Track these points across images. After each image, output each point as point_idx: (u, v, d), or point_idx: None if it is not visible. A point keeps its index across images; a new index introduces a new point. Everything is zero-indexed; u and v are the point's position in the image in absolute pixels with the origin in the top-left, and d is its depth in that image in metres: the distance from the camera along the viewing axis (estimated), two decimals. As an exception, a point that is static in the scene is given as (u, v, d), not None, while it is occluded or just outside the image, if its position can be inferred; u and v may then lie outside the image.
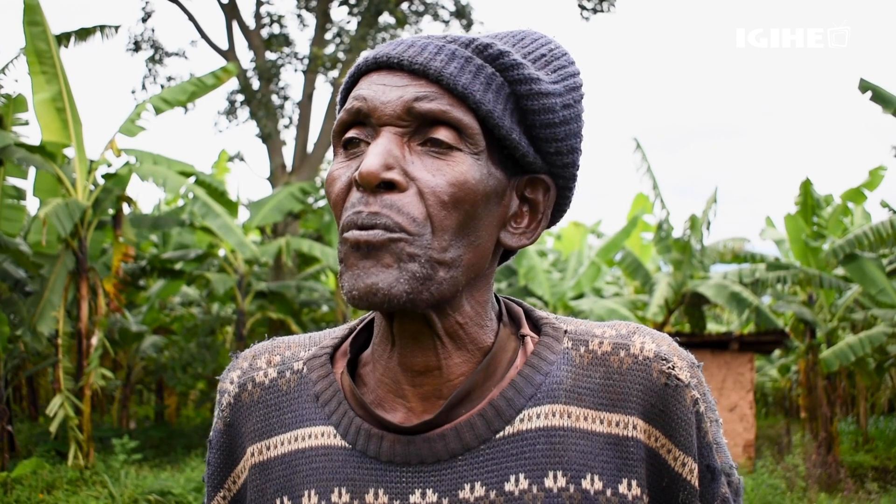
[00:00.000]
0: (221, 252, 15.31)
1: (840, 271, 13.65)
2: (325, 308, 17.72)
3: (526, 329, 1.07)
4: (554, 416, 1.00)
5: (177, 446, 13.29)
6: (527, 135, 1.00)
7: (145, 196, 38.31)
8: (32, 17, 10.15)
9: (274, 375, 1.10)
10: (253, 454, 1.08)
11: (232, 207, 13.13)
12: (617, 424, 1.01)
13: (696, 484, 1.03)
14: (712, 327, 21.17)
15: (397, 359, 1.02)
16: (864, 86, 10.37)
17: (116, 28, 13.60)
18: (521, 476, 0.98)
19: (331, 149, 1.04)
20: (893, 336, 12.62)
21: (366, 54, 1.02)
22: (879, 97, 10.30)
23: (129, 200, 11.51)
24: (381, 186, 0.93)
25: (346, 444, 1.02)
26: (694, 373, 1.04)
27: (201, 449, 12.37)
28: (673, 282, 13.86)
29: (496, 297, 1.09)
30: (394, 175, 0.93)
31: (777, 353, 18.60)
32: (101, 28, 13.24)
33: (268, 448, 1.07)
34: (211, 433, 1.14)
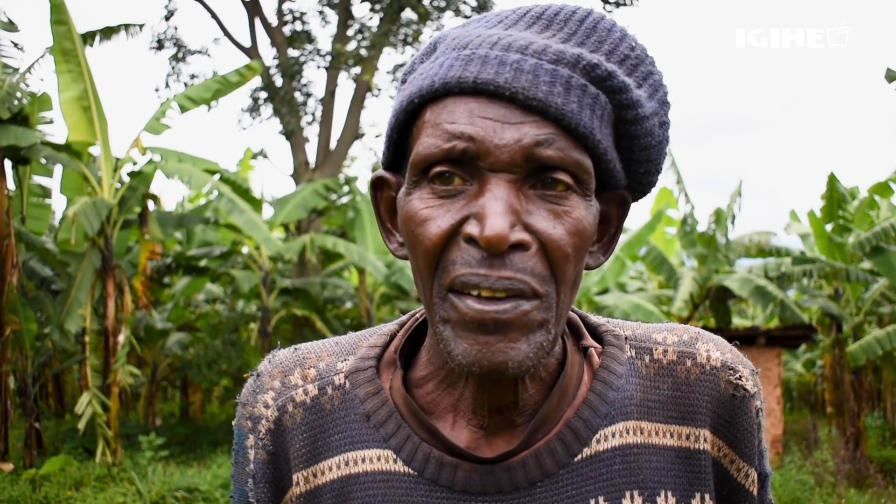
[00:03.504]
0: (245, 249, 15.37)
1: (867, 265, 13.53)
2: (348, 304, 17.75)
3: (589, 340, 1.03)
4: (627, 433, 0.97)
5: (202, 443, 13.35)
6: (621, 156, 0.94)
7: (168, 194, 38.47)
8: (59, 17, 10.22)
9: (315, 393, 1.02)
10: (298, 483, 1.00)
11: (256, 204, 13.16)
12: (688, 438, 0.99)
13: (756, 492, 1.02)
14: (737, 322, 21.05)
15: (472, 393, 0.96)
16: (891, 76, 10.24)
17: (141, 26, 13.68)
18: (601, 499, 0.95)
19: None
20: (921, 330, 12.48)
21: (455, 73, 0.87)
22: (906, 88, 10.18)
23: (155, 198, 11.57)
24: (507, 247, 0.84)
25: (411, 471, 0.96)
26: (756, 381, 1.03)
27: (227, 445, 12.41)
28: (698, 276, 13.79)
29: None
30: (522, 235, 0.84)
31: (802, 347, 18.47)
32: (126, 27, 13.33)
33: (314, 475, 1.00)
34: (251, 465, 1.03)
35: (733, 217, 13.87)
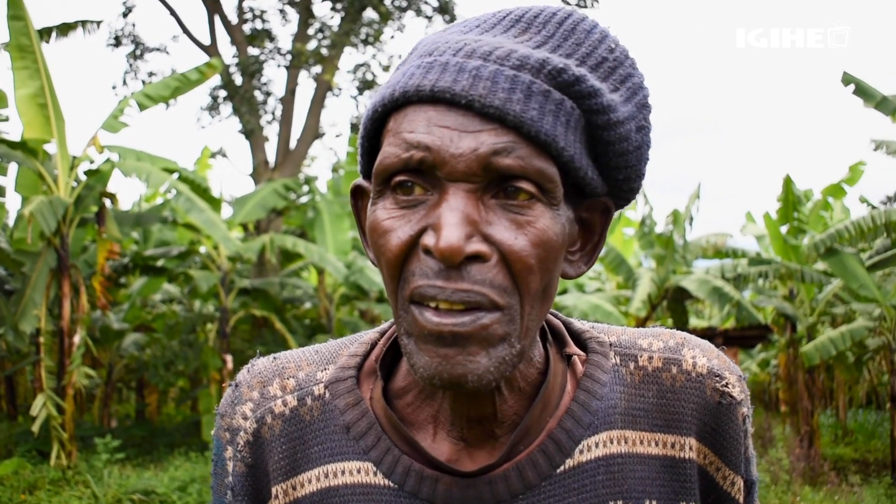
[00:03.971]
0: (203, 249, 15.22)
1: (821, 266, 13.74)
2: (307, 305, 17.66)
3: (572, 347, 1.02)
4: (611, 443, 0.96)
5: (159, 444, 13.20)
6: (596, 163, 0.91)
7: (124, 193, 38.01)
8: (15, 12, 10.03)
9: (294, 404, 1.00)
10: (277, 495, 0.99)
11: (215, 204, 13.04)
12: (673, 446, 0.98)
13: (742, 500, 1.02)
14: (694, 322, 21.27)
15: (449, 406, 0.94)
16: (847, 79, 10.40)
17: (98, 23, 13.52)
18: None
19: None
20: (873, 330, 12.72)
21: (414, 81, 0.86)
22: (862, 91, 10.34)
23: (112, 197, 11.42)
24: (464, 259, 0.83)
25: (391, 484, 0.94)
26: (743, 387, 1.02)
27: (184, 447, 12.31)
28: (656, 277, 13.91)
29: None
30: (479, 246, 0.82)
31: (758, 347, 18.72)
32: (83, 23, 13.17)
33: (294, 488, 0.98)
34: (230, 478, 1.01)
35: (691, 218, 14.02)
